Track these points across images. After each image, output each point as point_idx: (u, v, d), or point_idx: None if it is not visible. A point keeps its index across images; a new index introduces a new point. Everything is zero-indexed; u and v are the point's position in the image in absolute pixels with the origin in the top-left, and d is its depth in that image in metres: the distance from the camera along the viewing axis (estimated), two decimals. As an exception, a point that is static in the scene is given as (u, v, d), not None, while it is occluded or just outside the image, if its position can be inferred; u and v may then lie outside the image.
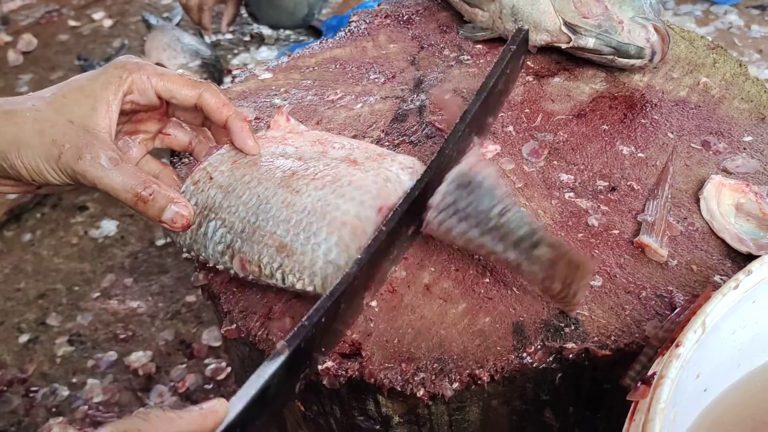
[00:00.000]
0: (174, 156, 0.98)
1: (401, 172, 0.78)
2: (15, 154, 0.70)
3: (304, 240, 0.72)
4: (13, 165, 0.70)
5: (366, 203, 0.74)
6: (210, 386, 1.49)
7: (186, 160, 0.97)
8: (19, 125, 0.70)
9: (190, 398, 1.47)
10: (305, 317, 0.65)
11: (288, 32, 2.57)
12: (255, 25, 2.60)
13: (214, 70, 2.27)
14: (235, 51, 2.48)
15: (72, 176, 0.71)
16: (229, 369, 1.50)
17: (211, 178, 0.78)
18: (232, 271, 0.76)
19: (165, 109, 0.80)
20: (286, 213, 0.74)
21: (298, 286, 0.73)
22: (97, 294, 1.71)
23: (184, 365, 1.54)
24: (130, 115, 0.77)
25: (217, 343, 1.56)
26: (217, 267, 0.77)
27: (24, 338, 1.63)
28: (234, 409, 0.57)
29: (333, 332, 0.70)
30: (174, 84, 0.76)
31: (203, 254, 0.77)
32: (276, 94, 1.07)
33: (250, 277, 0.75)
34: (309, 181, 0.75)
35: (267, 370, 0.60)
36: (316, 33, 2.56)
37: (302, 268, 0.72)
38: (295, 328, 0.64)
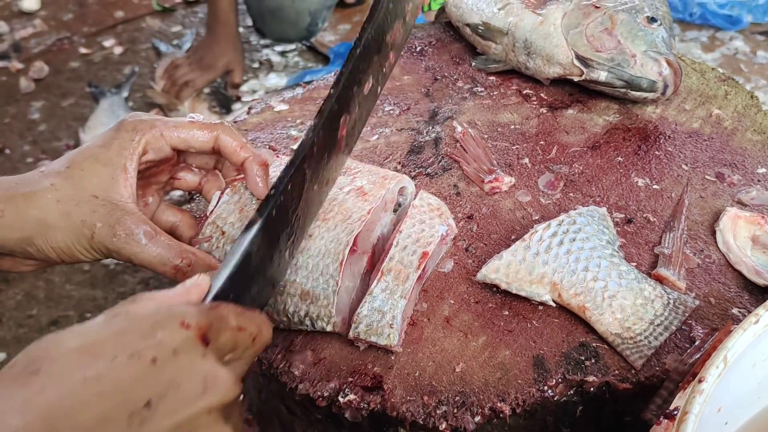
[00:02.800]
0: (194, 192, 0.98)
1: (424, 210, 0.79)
2: (42, 239, 0.68)
3: (324, 284, 0.73)
4: (40, 249, 0.69)
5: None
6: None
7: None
8: (42, 209, 0.68)
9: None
10: (272, 187, 0.64)
11: (296, 59, 2.60)
12: (264, 52, 2.63)
13: (223, 98, 2.30)
14: (244, 78, 2.50)
15: (106, 253, 0.69)
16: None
17: (223, 233, 0.76)
18: None
19: (177, 159, 0.79)
20: (302, 259, 0.74)
21: (329, 329, 0.73)
22: (109, 321, 1.71)
23: (197, 393, 1.54)
24: (143, 173, 0.76)
25: (229, 371, 1.56)
26: None
27: (36, 365, 1.63)
28: (220, 278, 0.57)
29: (308, 196, 0.69)
30: (189, 132, 0.74)
31: None
32: (292, 126, 1.08)
33: (281, 326, 0.76)
34: (320, 223, 0.75)
35: (244, 240, 0.60)
36: (322, 57, 2.58)
37: (329, 312, 0.73)
38: (266, 197, 0.63)
